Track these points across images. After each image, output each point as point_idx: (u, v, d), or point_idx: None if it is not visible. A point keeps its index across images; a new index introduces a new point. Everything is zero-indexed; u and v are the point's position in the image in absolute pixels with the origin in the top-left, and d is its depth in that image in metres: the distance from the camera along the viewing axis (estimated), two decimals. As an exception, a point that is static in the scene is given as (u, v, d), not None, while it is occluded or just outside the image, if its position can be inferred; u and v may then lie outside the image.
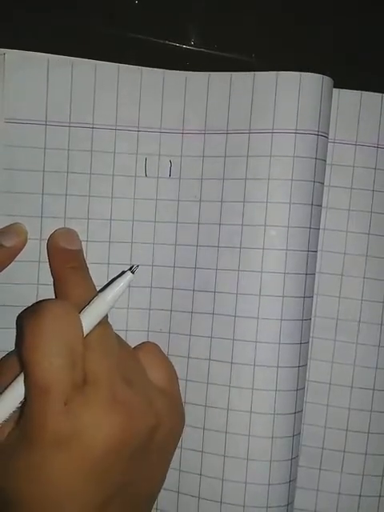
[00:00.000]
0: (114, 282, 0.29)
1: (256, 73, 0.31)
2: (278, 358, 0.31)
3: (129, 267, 0.30)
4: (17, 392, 0.26)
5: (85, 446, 0.26)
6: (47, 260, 0.32)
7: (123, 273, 0.29)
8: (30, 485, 0.26)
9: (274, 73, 0.31)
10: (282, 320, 0.31)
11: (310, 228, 0.31)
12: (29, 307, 0.31)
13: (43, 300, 0.30)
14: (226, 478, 0.32)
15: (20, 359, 0.27)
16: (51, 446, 0.25)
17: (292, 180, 0.31)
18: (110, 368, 0.27)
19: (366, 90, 0.33)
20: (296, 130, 0.31)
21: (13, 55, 0.30)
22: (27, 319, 0.27)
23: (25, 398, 0.26)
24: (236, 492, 0.31)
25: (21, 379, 0.26)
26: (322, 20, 0.34)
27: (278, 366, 0.31)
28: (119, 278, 0.29)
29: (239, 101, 0.32)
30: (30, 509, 0.26)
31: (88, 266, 0.32)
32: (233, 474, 0.31)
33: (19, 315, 0.31)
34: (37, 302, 0.31)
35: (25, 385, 0.26)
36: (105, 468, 0.26)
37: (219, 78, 0.32)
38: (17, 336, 0.31)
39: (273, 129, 0.31)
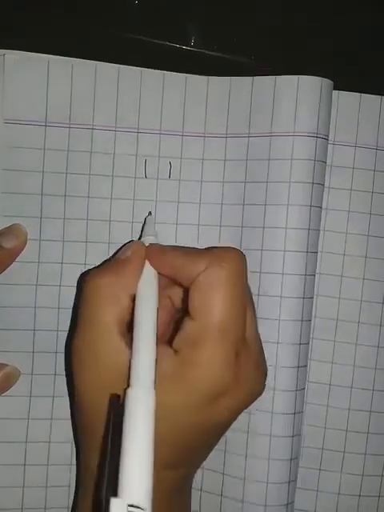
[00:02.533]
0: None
1: (255, 77, 0.31)
2: (277, 358, 0.31)
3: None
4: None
5: (239, 400, 0.26)
6: (47, 261, 0.32)
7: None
8: (168, 427, 0.25)
9: (272, 77, 0.31)
10: (280, 320, 0.31)
11: (309, 229, 0.31)
12: (207, 250, 0.29)
13: (217, 247, 0.28)
14: (226, 473, 0.32)
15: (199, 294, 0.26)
16: (213, 396, 0.25)
17: (289, 182, 0.31)
18: (256, 327, 0.28)
19: (366, 92, 0.33)
20: (294, 132, 0.31)
21: (13, 56, 0.30)
22: (211, 261, 0.26)
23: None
24: (235, 487, 0.32)
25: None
26: (322, 20, 0.34)
27: (276, 366, 0.31)
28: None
29: (238, 105, 0.32)
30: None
31: (87, 267, 0.32)
32: (233, 469, 0.32)
33: (194, 254, 0.27)
34: (212, 247, 0.29)
35: (195, 324, 0.25)
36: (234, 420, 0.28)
37: (218, 82, 0.32)
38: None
39: (271, 132, 0.31)
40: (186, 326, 0.25)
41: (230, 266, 0.26)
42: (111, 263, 0.29)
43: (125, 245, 0.30)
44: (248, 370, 0.26)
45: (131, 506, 0.20)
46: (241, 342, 0.26)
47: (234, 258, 0.26)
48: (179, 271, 0.27)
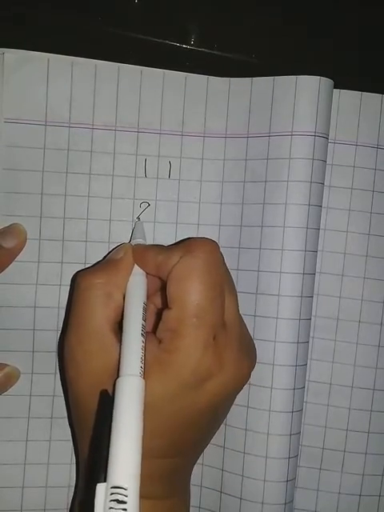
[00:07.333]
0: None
1: (254, 78, 0.32)
2: (274, 357, 0.31)
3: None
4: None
5: (224, 383, 0.27)
6: (47, 261, 0.32)
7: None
8: (156, 416, 0.25)
9: (271, 77, 0.31)
10: (277, 319, 0.31)
11: (307, 228, 0.31)
12: (179, 243, 0.31)
13: (191, 238, 0.30)
14: (225, 469, 0.33)
15: (173, 288, 0.27)
16: (197, 380, 0.26)
17: (288, 181, 0.31)
18: (237, 311, 0.29)
19: (366, 91, 0.33)
20: (292, 131, 0.31)
21: (12, 54, 0.30)
22: (184, 253, 0.27)
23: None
24: (234, 484, 0.32)
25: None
26: (322, 20, 0.34)
27: (273, 364, 0.31)
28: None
29: (237, 105, 0.32)
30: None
31: (87, 266, 0.32)
32: (231, 466, 0.32)
33: (170, 249, 0.29)
34: (186, 240, 0.31)
35: (172, 313, 0.26)
36: (226, 406, 0.29)
37: (218, 82, 0.32)
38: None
39: (270, 132, 0.31)
40: (166, 316, 0.26)
41: (202, 254, 0.27)
42: (103, 264, 0.30)
43: (115, 248, 0.31)
44: (230, 353, 0.27)
45: (114, 487, 0.20)
46: (219, 326, 0.27)
47: (205, 248, 0.27)
48: (160, 267, 0.28)
